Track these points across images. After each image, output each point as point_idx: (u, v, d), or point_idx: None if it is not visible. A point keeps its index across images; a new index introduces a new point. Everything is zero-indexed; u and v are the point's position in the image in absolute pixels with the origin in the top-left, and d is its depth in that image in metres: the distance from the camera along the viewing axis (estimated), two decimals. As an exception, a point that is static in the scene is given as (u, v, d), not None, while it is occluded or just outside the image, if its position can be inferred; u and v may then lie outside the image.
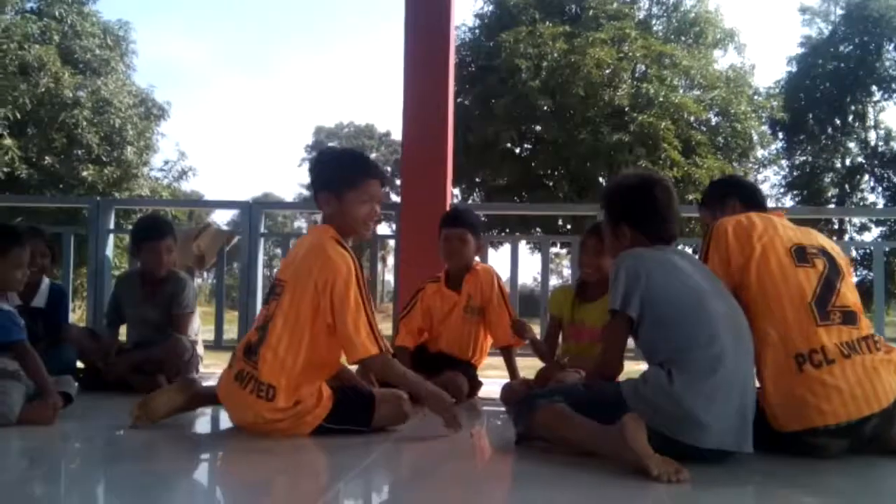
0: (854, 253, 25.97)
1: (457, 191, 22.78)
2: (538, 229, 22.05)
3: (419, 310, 4.08)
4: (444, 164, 5.10)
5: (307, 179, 59.73)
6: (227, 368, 2.90)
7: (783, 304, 2.51)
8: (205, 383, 3.20)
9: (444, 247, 4.01)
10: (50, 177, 18.54)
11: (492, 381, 4.22)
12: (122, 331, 4.41)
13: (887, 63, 27.48)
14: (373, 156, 58.72)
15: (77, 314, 5.29)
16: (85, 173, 18.59)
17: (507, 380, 3.99)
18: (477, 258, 4.16)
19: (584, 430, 2.38)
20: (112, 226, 5.40)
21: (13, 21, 18.91)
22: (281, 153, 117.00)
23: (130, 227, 5.62)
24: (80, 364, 4.15)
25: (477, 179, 22.16)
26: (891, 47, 27.68)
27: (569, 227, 20.99)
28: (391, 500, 2.27)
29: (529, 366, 4.10)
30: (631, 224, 2.65)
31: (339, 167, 2.97)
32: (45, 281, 4.23)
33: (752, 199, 2.98)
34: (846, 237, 28.55)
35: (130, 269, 4.48)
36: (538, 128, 20.19)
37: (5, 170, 17.51)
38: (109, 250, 5.33)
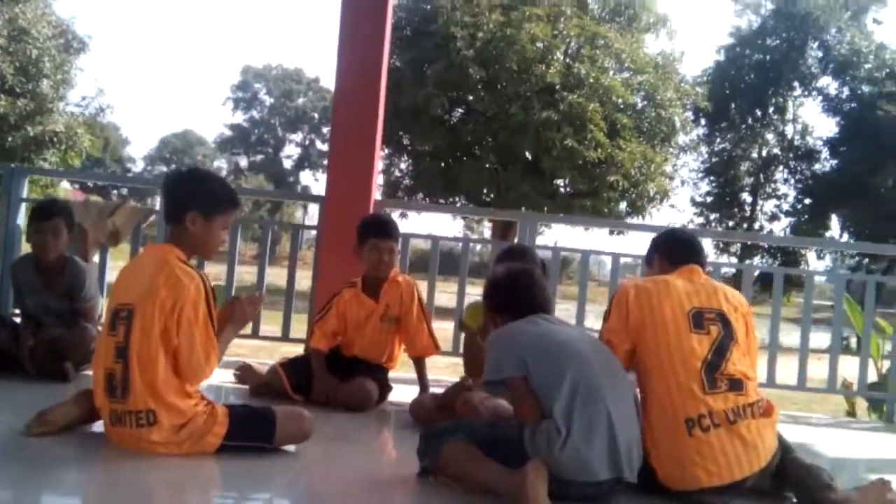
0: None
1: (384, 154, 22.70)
2: (462, 197, 22.24)
3: (334, 314, 4.12)
4: (374, 124, 5.12)
5: (230, 119, 58.67)
6: (102, 415, 2.84)
7: (676, 370, 2.68)
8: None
9: (371, 256, 4.02)
10: (-42, 104, 17.75)
11: (404, 386, 4.29)
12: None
13: (809, 60, 28.38)
14: (300, 101, 58.09)
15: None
16: (-5, 104, 17.85)
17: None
18: (396, 267, 4.22)
19: (488, 473, 2.51)
20: (25, 194, 5.25)
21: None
22: (205, 91, 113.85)
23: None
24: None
25: (405, 143, 22.07)
26: (815, 45, 28.56)
27: (491, 199, 21.21)
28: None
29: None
30: (507, 315, 2.83)
31: (216, 192, 2.94)
32: None
33: (672, 255, 3.07)
34: (756, 224, 29.66)
35: (25, 254, 4.34)
36: (470, 97, 20.19)
37: None
38: (21, 220, 5.19)
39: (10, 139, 18.01)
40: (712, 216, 29.93)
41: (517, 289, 2.89)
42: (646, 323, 2.78)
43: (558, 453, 2.44)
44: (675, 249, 3.12)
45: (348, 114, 5.21)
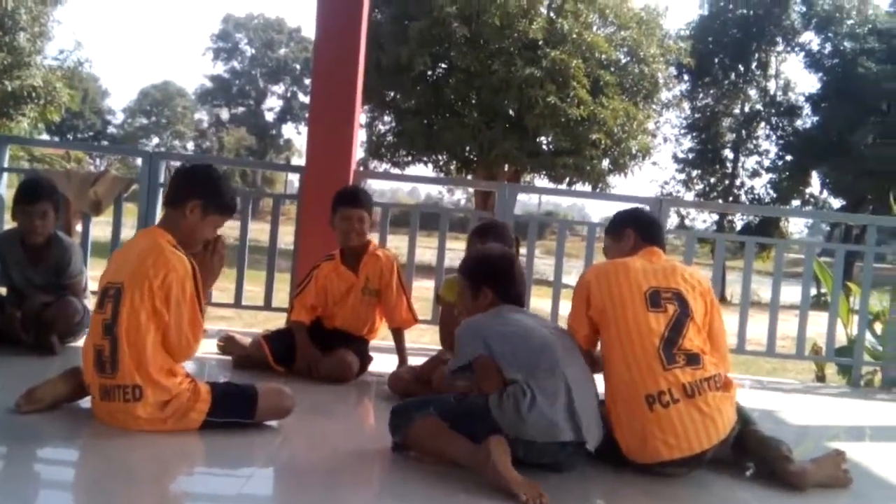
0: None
1: (366, 109, 22.57)
2: (445, 155, 22.21)
3: (313, 288, 4.22)
4: (353, 83, 5.19)
5: (211, 70, 57.89)
6: (91, 391, 2.94)
7: (634, 348, 2.82)
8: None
9: (342, 226, 4.11)
10: (-68, 58, 17.44)
11: (384, 356, 4.40)
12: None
13: (793, 15, 28.27)
14: (282, 52, 57.37)
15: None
16: (-29, 58, 17.56)
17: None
18: (375, 239, 4.30)
19: (455, 448, 2.66)
20: (6, 163, 5.27)
21: None
22: (185, 41, 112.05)
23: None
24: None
25: (388, 100, 21.93)
26: (798, 0, 28.45)
27: (474, 157, 21.20)
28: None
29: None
30: (488, 290, 3.01)
31: (224, 191, 3.05)
32: None
33: (647, 232, 3.23)
34: (738, 181, 29.82)
35: (10, 230, 4.36)
36: (452, 54, 20.05)
37: None
38: (3, 189, 5.22)
39: (-13, 94, 17.82)
40: (694, 172, 30.00)
41: (501, 271, 3.06)
42: (605, 305, 2.93)
43: (526, 412, 2.62)
44: (649, 228, 3.26)
45: (328, 67, 5.25)
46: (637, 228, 3.25)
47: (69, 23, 37.18)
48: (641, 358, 2.80)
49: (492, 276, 3.04)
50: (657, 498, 2.72)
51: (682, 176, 30.08)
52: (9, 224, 4.68)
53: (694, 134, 29.93)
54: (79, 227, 5.28)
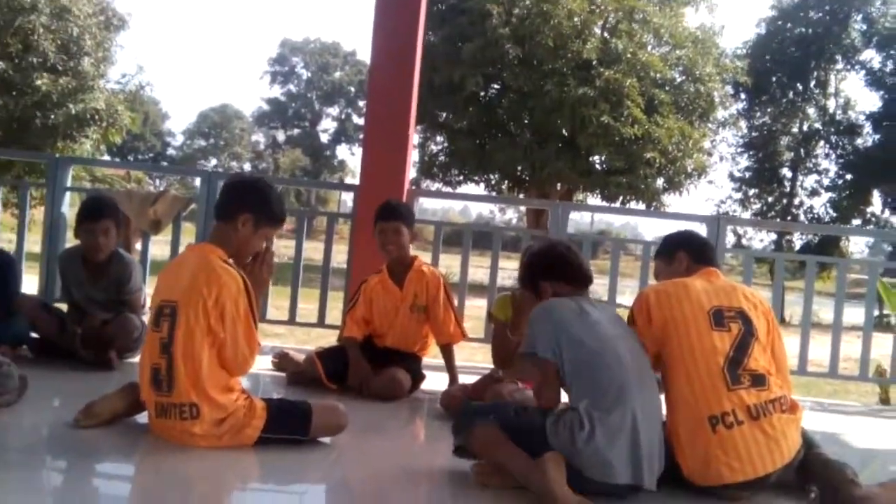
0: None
1: (418, 129, 22.69)
2: (497, 174, 22.19)
3: (362, 302, 4.26)
4: (408, 104, 5.25)
5: (268, 93, 58.96)
6: (147, 407, 2.97)
7: (699, 368, 2.74)
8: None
9: (380, 238, 4.17)
10: (3, 82, 17.97)
11: (436, 374, 4.38)
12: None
13: (853, 34, 27.69)
14: (337, 75, 58.18)
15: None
16: (39, 82, 17.99)
17: None
18: (428, 258, 4.30)
19: (512, 460, 2.61)
20: (69, 183, 5.41)
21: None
22: (243, 65, 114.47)
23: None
24: (33, 335, 4.22)
25: (441, 120, 22.02)
26: (858, 18, 27.89)
27: (526, 176, 21.14)
28: None
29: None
30: (554, 281, 2.93)
31: (274, 202, 3.06)
32: None
33: (700, 254, 3.19)
34: (796, 200, 29.22)
35: (72, 247, 4.46)
36: (505, 74, 20.05)
37: (-45, 73, 17.03)
38: (66, 208, 5.36)
39: (52, 117, 18.25)
40: (751, 192, 29.45)
41: (563, 257, 2.98)
42: (668, 324, 2.85)
43: (582, 446, 2.52)
44: (702, 249, 3.22)
45: (383, 89, 5.32)
46: (689, 251, 3.20)
47: (131, 47, 38.26)
48: (706, 378, 2.73)
49: (547, 269, 2.98)
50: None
51: (739, 195, 29.54)
52: (71, 242, 4.80)
53: (751, 153, 29.42)
54: (138, 246, 5.38)
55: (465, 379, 4.15)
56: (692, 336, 2.79)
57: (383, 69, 5.33)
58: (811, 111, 29.65)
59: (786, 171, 29.73)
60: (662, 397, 2.86)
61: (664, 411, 2.83)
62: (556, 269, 2.97)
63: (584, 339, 2.69)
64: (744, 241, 26.40)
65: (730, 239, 24.66)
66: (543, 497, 2.44)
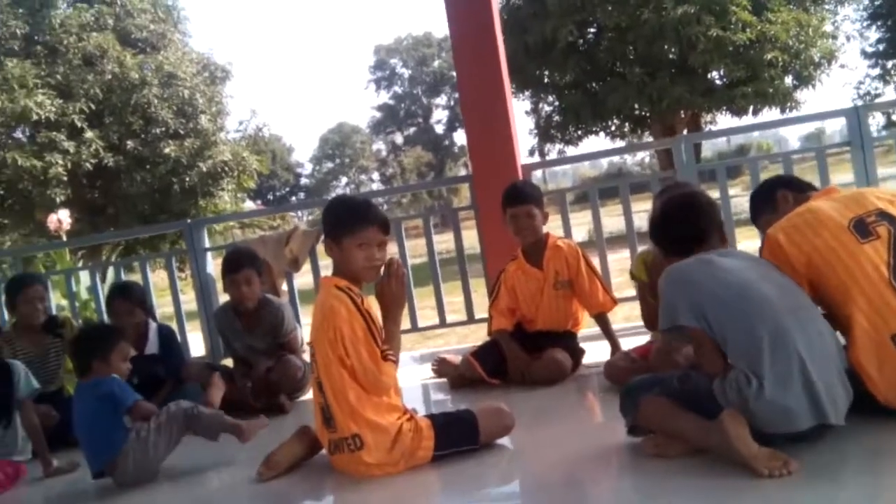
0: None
1: (526, 95, 22.40)
2: (614, 119, 21.60)
3: (504, 291, 4.22)
4: (498, 79, 5.15)
5: (376, 100, 60.12)
6: (324, 446, 3.05)
7: (863, 289, 2.51)
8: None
9: (512, 225, 4.09)
10: (135, 160, 19.09)
11: (594, 343, 4.27)
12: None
13: None
14: (436, 64, 58.37)
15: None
16: (167, 150, 19.02)
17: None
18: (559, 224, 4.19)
19: (688, 425, 2.51)
20: (207, 244, 5.66)
21: (67, 14, 19.35)
22: (346, 80, 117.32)
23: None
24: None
25: (545, 81, 21.61)
26: None
27: (646, 112, 20.44)
28: None
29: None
30: (673, 255, 2.77)
31: (336, 215, 3.05)
32: (152, 326, 4.48)
33: (799, 184, 3.07)
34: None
35: (224, 303, 4.66)
36: (597, 15, 19.46)
37: (92, 161, 18.21)
38: (210, 268, 5.60)
39: (187, 179, 19.28)
40: (889, 64, 27.32)
41: (671, 222, 2.85)
42: (811, 259, 2.62)
43: (754, 403, 2.36)
44: (798, 180, 3.14)
45: (471, 72, 5.24)
46: (789, 187, 3.07)
47: (240, 95, 39.84)
48: (874, 296, 2.49)
49: (666, 237, 2.86)
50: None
51: (877, 70, 27.46)
52: (224, 297, 5.01)
53: (879, 23, 27.26)
54: (284, 287, 5.57)
55: (627, 343, 4.04)
56: (843, 258, 2.56)
57: (465, 51, 5.25)
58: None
59: (924, 32, 27.37)
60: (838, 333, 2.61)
61: (839, 340, 2.59)
62: (672, 244, 2.83)
63: (725, 297, 2.49)
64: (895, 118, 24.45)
65: (879, 121, 22.95)
66: (730, 456, 2.32)
